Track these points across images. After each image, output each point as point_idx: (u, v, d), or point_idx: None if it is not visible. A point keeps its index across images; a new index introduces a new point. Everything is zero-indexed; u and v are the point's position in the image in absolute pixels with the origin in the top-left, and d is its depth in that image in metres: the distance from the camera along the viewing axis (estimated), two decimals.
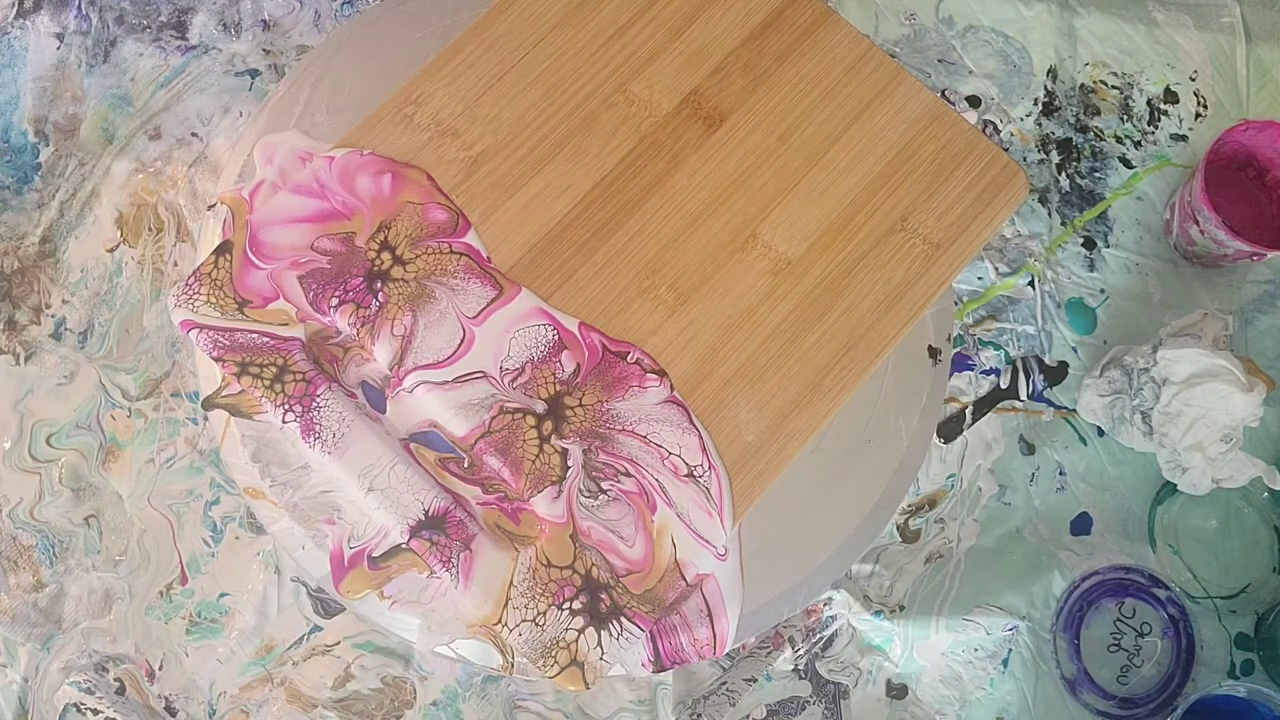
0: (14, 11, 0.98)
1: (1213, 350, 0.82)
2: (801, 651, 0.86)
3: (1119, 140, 0.95)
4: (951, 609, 0.86)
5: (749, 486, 0.64)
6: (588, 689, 0.60)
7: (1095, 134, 0.95)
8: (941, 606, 0.86)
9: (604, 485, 0.63)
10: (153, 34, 0.98)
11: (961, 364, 0.90)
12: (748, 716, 0.85)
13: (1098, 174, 0.94)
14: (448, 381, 0.63)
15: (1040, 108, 0.96)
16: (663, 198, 0.68)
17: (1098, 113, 0.96)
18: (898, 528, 0.88)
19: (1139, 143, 0.95)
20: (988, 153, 0.70)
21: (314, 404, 0.63)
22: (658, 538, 0.62)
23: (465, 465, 0.63)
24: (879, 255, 0.68)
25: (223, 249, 0.66)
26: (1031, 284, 0.92)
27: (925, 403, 0.73)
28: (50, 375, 0.92)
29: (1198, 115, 0.96)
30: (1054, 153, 0.95)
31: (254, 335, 0.64)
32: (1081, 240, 0.93)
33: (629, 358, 0.65)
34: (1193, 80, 0.97)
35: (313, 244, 0.66)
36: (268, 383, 0.63)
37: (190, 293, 0.65)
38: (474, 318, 0.65)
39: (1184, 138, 0.95)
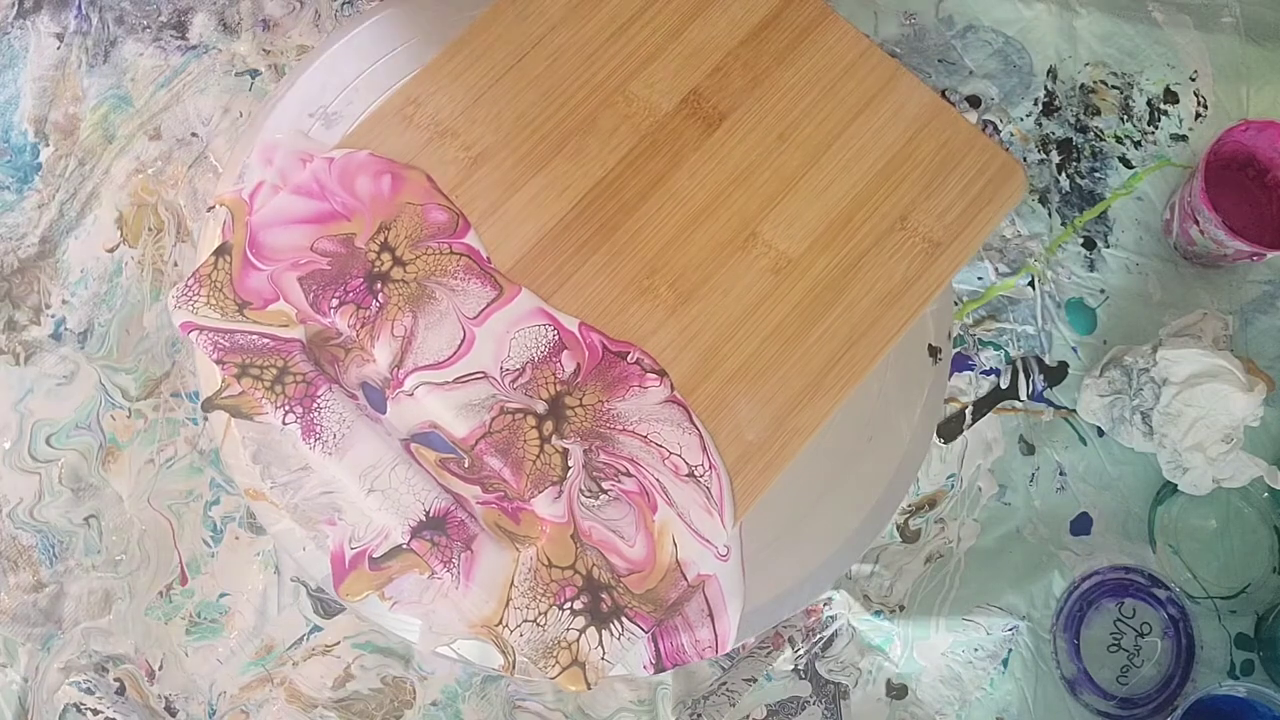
0: (14, 11, 0.98)
1: (1213, 350, 0.82)
2: (801, 651, 0.86)
3: (1119, 140, 0.95)
4: (951, 609, 0.86)
5: (750, 486, 0.64)
6: (589, 689, 0.60)
7: (1095, 134, 0.95)
8: (941, 606, 0.86)
9: (605, 485, 0.63)
10: (153, 34, 0.98)
11: (961, 364, 0.90)
12: (748, 716, 0.85)
13: (1098, 174, 0.94)
14: (448, 382, 0.63)
15: (1040, 108, 0.96)
16: (663, 197, 0.68)
17: (1098, 113, 0.96)
18: (898, 528, 0.88)
19: (1139, 143, 0.95)
20: (986, 150, 0.70)
21: (314, 405, 0.63)
22: (659, 537, 0.62)
23: (466, 465, 0.63)
24: (879, 253, 0.68)
25: (222, 251, 0.66)
26: (1031, 284, 0.92)
27: (925, 401, 0.73)
28: (50, 375, 0.92)
29: (1198, 115, 0.96)
30: (1054, 153, 0.95)
31: (254, 337, 0.64)
32: (1081, 240, 0.93)
33: (629, 357, 0.65)
34: (1193, 80, 0.97)
35: (313, 245, 0.66)
36: (268, 384, 0.63)
37: (190, 295, 0.65)
38: (474, 318, 0.65)
39: (1184, 138, 0.95)
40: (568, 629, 0.61)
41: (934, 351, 0.74)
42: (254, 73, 0.97)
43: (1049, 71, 0.97)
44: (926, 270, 0.68)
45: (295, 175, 0.69)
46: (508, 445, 0.63)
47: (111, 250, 0.94)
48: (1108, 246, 0.93)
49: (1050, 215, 0.94)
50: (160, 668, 0.87)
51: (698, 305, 0.67)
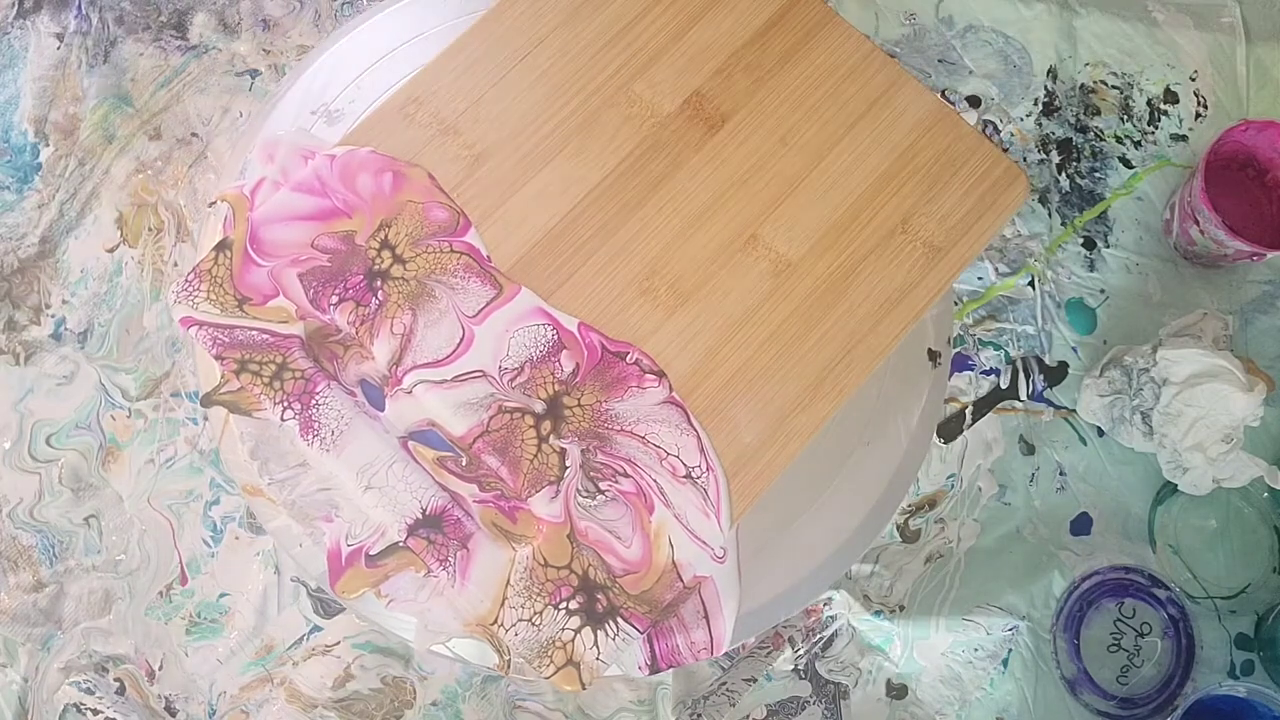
0: (14, 11, 0.98)
1: (1213, 350, 0.82)
2: (801, 651, 0.86)
3: (1119, 140, 0.95)
4: (951, 609, 0.86)
5: (747, 488, 0.64)
6: (584, 689, 0.60)
7: (1095, 134, 0.95)
8: (941, 606, 0.86)
9: (602, 485, 0.63)
10: (153, 34, 0.98)
11: (961, 364, 0.90)
12: (748, 716, 0.85)
13: (1098, 174, 0.94)
14: (447, 380, 0.63)
15: (1040, 108, 0.96)
16: (664, 198, 0.68)
17: (1098, 113, 0.96)
18: (898, 528, 0.88)
19: (1139, 143, 0.95)
20: (989, 156, 0.70)
21: (313, 401, 0.63)
22: (655, 538, 0.62)
23: (463, 464, 0.63)
24: (880, 258, 0.68)
25: (223, 246, 0.66)
26: (1031, 284, 0.92)
27: (924, 405, 0.73)
28: (50, 375, 0.92)
29: (1198, 115, 0.96)
30: (1054, 153, 0.95)
31: (253, 332, 0.64)
32: (1081, 240, 0.93)
33: (628, 358, 0.65)
34: (1193, 80, 0.97)
35: (313, 242, 0.66)
36: (267, 380, 0.63)
37: (190, 289, 0.65)
38: (473, 317, 0.65)
39: (1184, 138, 0.95)
40: (563, 629, 0.61)
41: (933, 356, 0.73)
42: (254, 73, 0.97)
43: (1049, 71, 0.97)
44: (927, 275, 0.68)
45: (297, 172, 0.69)
46: (505, 444, 0.62)
47: (111, 250, 0.94)
48: (1108, 246, 0.93)
49: (1050, 215, 0.94)
50: (160, 668, 0.87)
51: (697, 307, 0.66)
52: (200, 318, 0.64)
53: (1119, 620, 0.86)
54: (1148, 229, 0.93)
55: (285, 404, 0.63)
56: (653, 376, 0.65)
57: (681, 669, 0.85)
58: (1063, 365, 0.91)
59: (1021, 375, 0.90)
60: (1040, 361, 0.91)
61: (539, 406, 0.64)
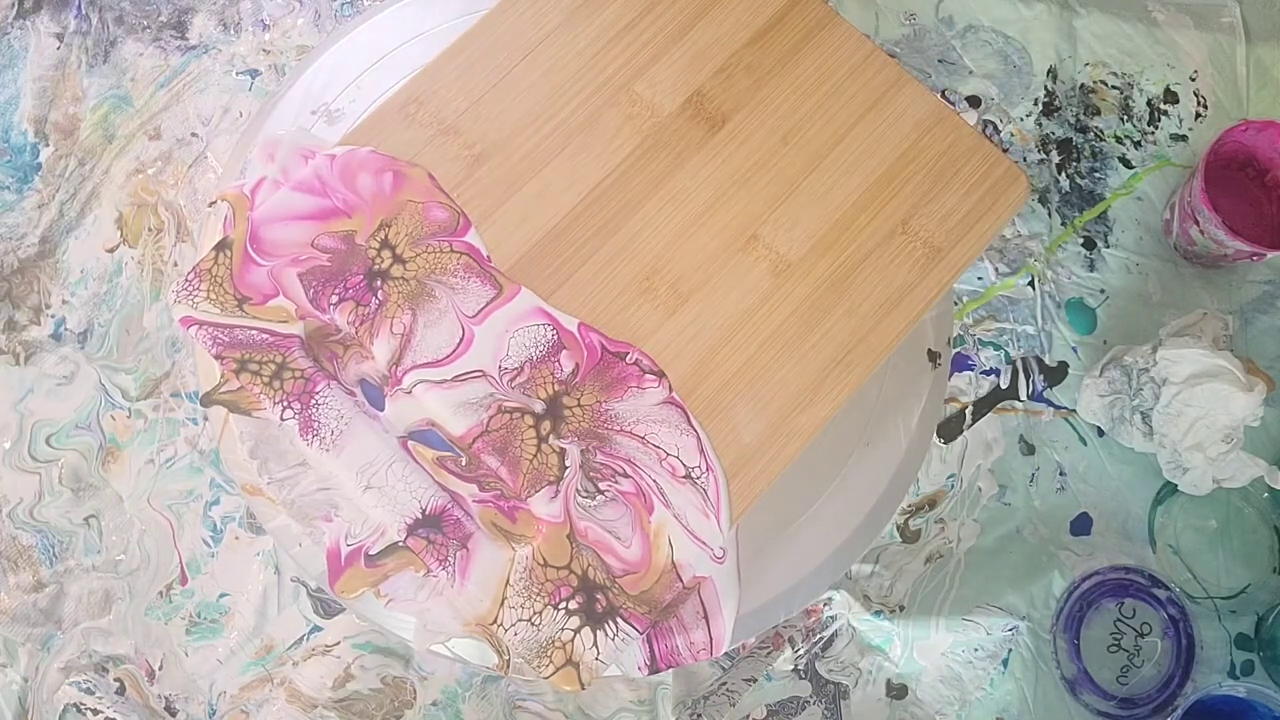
0: (14, 11, 0.98)
1: (1213, 350, 0.82)
2: (801, 651, 0.86)
3: (1119, 140, 0.95)
4: (951, 609, 0.86)
5: (747, 488, 0.64)
6: (583, 689, 0.60)
7: (1095, 134, 0.95)
8: (941, 606, 0.86)
9: (601, 485, 0.63)
10: (153, 34, 0.98)
11: (961, 364, 0.90)
12: (748, 716, 0.85)
13: (1098, 174, 0.94)
14: (446, 380, 0.63)
15: (1040, 108, 0.96)
16: (664, 198, 0.68)
17: (1098, 113, 0.96)
18: (898, 528, 0.88)
19: (1139, 143, 0.95)
20: (989, 156, 0.70)
21: (312, 401, 0.63)
22: (655, 539, 0.62)
23: (463, 464, 0.63)
24: (880, 258, 0.68)
25: (223, 245, 0.66)
26: (1031, 284, 0.92)
27: (924, 406, 0.73)
28: (50, 375, 0.92)
29: (1198, 115, 0.96)
30: (1054, 153, 0.95)
31: (253, 332, 0.64)
32: (1081, 240, 0.93)
33: (628, 358, 0.65)
34: (1193, 80, 0.97)
35: (313, 241, 0.66)
36: (266, 379, 0.63)
37: (190, 289, 0.65)
38: (473, 317, 0.65)
39: (1184, 138, 0.95)
40: (562, 629, 0.61)
41: (933, 357, 0.73)
42: (254, 73, 0.97)
43: (1049, 71, 0.97)
44: (927, 275, 0.68)
45: (297, 171, 0.69)
46: (505, 444, 0.62)
47: (111, 250, 0.94)
48: (1108, 246, 0.93)
49: (1050, 215, 0.94)
50: (160, 668, 0.87)
51: (697, 307, 0.66)
52: (200, 317, 0.65)
53: (1119, 620, 0.86)
54: (1148, 229, 0.93)
55: (285, 404, 0.63)
56: (652, 376, 0.65)
57: (681, 669, 0.85)
58: (1063, 365, 0.91)
59: (1021, 375, 0.90)
60: (1040, 361, 0.91)
61: (539, 406, 0.64)
